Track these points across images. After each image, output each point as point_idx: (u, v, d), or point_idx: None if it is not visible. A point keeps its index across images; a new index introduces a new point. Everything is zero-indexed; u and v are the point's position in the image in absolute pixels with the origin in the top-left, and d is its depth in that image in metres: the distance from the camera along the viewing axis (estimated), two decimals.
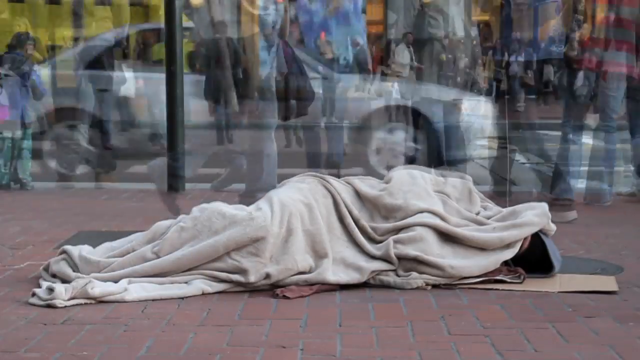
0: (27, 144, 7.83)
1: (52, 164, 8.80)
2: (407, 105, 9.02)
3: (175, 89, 7.62)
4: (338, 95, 9.34)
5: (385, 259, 4.08)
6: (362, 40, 9.94)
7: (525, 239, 4.19)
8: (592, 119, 6.86)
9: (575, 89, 6.58)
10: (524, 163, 9.74)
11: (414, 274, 4.03)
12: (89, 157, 8.80)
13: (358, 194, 4.30)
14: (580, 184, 6.90)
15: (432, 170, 4.63)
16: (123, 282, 3.81)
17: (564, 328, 3.35)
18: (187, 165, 7.68)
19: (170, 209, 6.15)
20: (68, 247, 4.12)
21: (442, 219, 4.20)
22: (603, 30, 6.62)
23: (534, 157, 7.35)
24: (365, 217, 4.23)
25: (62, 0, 11.39)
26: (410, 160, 8.63)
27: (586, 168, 7.01)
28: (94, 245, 4.22)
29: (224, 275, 3.92)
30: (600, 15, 6.61)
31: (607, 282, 4.11)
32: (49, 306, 3.59)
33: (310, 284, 3.94)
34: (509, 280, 4.06)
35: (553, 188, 6.57)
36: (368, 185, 4.35)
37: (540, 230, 4.25)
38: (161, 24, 8.74)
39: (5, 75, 7.77)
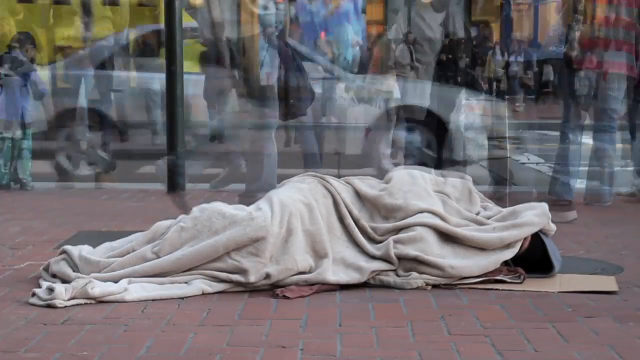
0: (27, 144, 7.83)
1: (65, 164, 8.85)
2: (419, 106, 9.02)
3: (175, 89, 7.62)
4: (353, 95, 9.32)
5: (385, 259, 4.08)
6: (361, 41, 9.95)
7: (525, 239, 4.19)
8: (589, 119, 6.85)
9: (575, 89, 6.57)
10: (524, 163, 9.75)
11: (414, 274, 4.03)
12: (97, 159, 8.83)
13: (358, 194, 4.30)
14: (580, 184, 6.90)
15: (432, 170, 4.64)
16: (123, 282, 3.81)
17: (564, 328, 3.35)
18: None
19: (181, 208, 6.13)
20: (68, 247, 4.12)
21: (442, 219, 4.20)
22: (603, 30, 6.61)
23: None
24: (365, 217, 4.23)
25: (69, 0, 11.40)
26: (422, 162, 8.64)
27: (586, 168, 7.01)
28: (94, 245, 4.22)
29: (224, 275, 3.92)
30: (600, 15, 6.61)
31: (607, 282, 4.11)
32: (49, 306, 3.59)
33: (310, 284, 3.94)
34: (509, 280, 4.06)
35: (552, 189, 6.57)
36: (368, 185, 4.35)
37: (540, 230, 4.25)
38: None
39: (5, 75, 7.77)
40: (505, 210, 4.35)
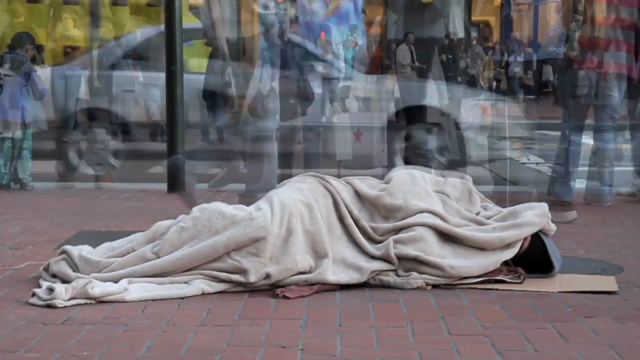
0: (27, 144, 7.84)
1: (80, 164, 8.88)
2: (433, 106, 9.02)
3: (175, 89, 7.62)
4: (364, 95, 9.32)
5: (385, 259, 4.08)
6: (361, 41, 9.96)
7: (525, 239, 4.19)
8: (589, 119, 6.85)
9: (575, 89, 6.58)
10: (524, 163, 9.75)
11: (414, 274, 4.03)
12: (105, 162, 8.86)
13: (358, 194, 4.30)
14: (580, 184, 6.90)
15: (432, 170, 4.64)
16: (123, 282, 3.81)
17: (564, 328, 3.35)
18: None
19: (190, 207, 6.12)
20: (68, 247, 4.12)
21: (442, 219, 4.20)
22: (603, 30, 6.61)
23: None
24: (365, 217, 4.23)
25: (80, 1, 11.41)
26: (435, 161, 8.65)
27: (586, 168, 7.01)
28: (94, 245, 4.22)
29: (224, 275, 3.92)
30: (600, 15, 6.61)
31: (607, 282, 4.11)
32: (49, 306, 3.59)
33: (310, 284, 3.94)
34: (509, 280, 4.06)
35: (551, 189, 6.57)
36: (368, 186, 4.35)
37: (540, 230, 4.25)
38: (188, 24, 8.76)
39: (5, 75, 7.78)
40: (505, 210, 4.35)
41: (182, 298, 3.79)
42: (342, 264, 4.05)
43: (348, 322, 3.44)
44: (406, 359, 2.99)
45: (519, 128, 9.22)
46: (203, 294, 3.85)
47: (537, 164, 9.82)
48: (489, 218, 4.31)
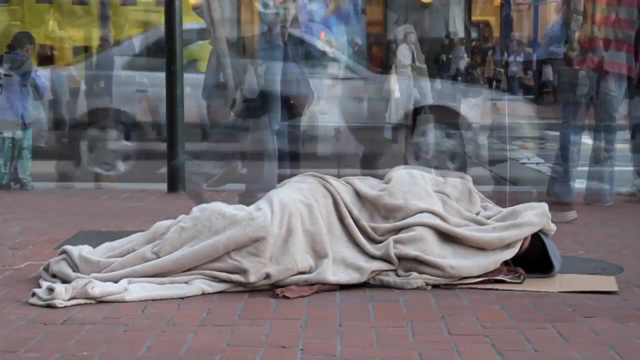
0: (28, 144, 7.84)
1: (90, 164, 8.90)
2: (445, 105, 9.02)
3: (175, 88, 7.62)
4: (375, 95, 9.32)
5: (385, 259, 4.08)
6: (360, 41, 9.96)
7: (525, 239, 4.19)
8: (589, 119, 6.85)
9: (575, 89, 6.58)
10: (524, 163, 9.75)
11: (414, 274, 4.03)
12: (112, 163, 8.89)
13: (358, 194, 4.30)
14: (580, 184, 6.90)
15: (432, 170, 4.64)
16: (123, 282, 3.81)
17: (564, 328, 3.35)
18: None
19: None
20: (68, 247, 4.12)
21: (442, 219, 4.20)
22: (603, 30, 6.61)
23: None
24: (365, 217, 4.23)
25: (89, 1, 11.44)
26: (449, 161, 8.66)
27: (586, 168, 7.01)
28: (94, 245, 4.22)
29: (224, 275, 3.92)
30: (600, 15, 6.61)
31: (607, 282, 4.11)
32: (49, 306, 3.59)
33: (310, 284, 3.94)
34: (509, 280, 4.06)
35: (551, 189, 6.56)
36: (368, 186, 4.35)
37: (540, 230, 4.25)
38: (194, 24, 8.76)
39: (5, 75, 7.78)
40: (505, 210, 4.35)
41: (182, 298, 3.79)
42: (342, 264, 4.05)
43: (348, 322, 3.44)
44: (406, 359, 2.99)
45: (531, 128, 9.22)
46: (203, 294, 3.85)
47: (537, 164, 9.82)
48: (489, 218, 4.31)
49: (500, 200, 5.03)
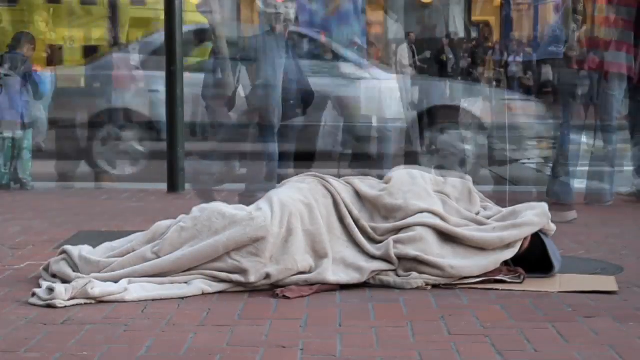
0: (28, 144, 7.84)
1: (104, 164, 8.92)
2: (457, 105, 9.02)
3: (175, 88, 7.62)
4: (386, 95, 9.31)
5: (385, 259, 4.08)
6: (360, 41, 9.95)
7: (525, 239, 4.19)
8: (589, 119, 6.86)
9: (575, 89, 6.58)
10: (524, 163, 9.74)
11: (414, 274, 4.03)
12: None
13: (358, 194, 4.30)
14: (580, 184, 6.90)
15: (432, 170, 4.64)
16: (123, 282, 3.81)
17: (564, 328, 3.35)
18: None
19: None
20: (68, 247, 4.12)
21: (442, 219, 4.20)
22: (603, 30, 6.62)
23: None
24: (365, 217, 4.23)
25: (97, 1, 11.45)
26: (461, 162, 8.65)
27: (586, 168, 7.01)
28: (94, 245, 4.22)
29: (224, 275, 3.92)
30: (600, 15, 6.62)
31: (607, 282, 4.11)
32: (49, 306, 3.59)
33: (310, 284, 3.94)
34: (509, 280, 4.06)
35: (551, 189, 6.56)
36: (368, 186, 4.35)
37: (540, 230, 4.25)
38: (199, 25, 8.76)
39: (5, 75, 7.78)
40: (505, 210, 4.35)
41: (182, 298, 3.79)
42: (342, 264, 4.05)
43: (348, 322, 3.44)
44: (406, 359, 2.99)
45: (546, 128, 9.21)
46: (203, 294, 3.85)
47: (537, 164, 9.82)
48: (489, 218, 4.31)
49: (500, 200, 5.03)
